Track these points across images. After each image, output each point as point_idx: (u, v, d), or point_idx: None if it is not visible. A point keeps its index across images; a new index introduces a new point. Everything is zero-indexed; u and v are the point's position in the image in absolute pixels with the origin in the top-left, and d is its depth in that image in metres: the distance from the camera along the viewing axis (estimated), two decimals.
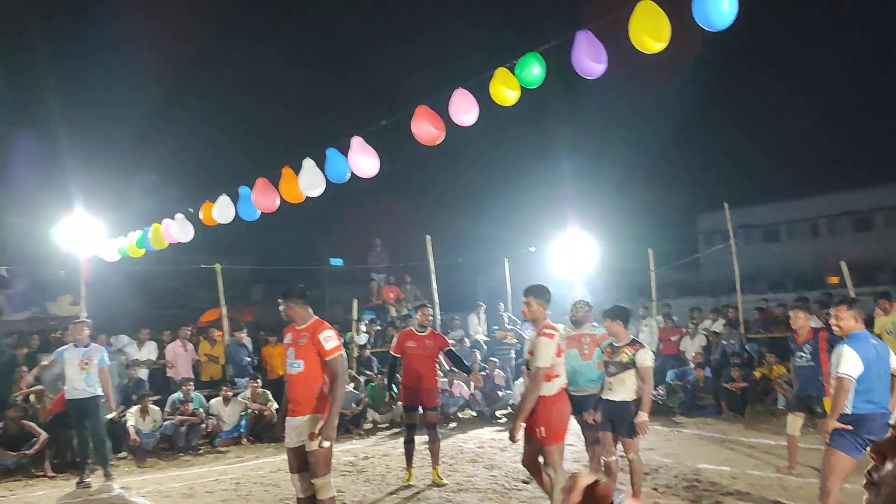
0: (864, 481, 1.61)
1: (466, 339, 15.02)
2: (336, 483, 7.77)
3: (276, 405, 10.86)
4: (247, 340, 13.33)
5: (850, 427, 5.03)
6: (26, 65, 23.37)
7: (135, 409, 10.52)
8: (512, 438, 5.48)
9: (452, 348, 8.38)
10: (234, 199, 8.90)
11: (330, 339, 5.06)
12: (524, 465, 5.83)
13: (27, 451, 9.26)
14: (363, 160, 7.18)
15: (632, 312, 14.52)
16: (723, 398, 11.79)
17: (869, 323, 9.74)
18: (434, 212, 25.52)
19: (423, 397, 7.77)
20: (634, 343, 6.42)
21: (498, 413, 12.48)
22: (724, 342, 13.37)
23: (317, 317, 5.29)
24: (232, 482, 8.38)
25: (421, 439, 8.08)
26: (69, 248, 10.99)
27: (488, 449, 9.74)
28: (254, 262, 24.00)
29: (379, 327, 15.19)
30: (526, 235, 17.81)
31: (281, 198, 8.17)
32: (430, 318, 8.10)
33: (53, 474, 9.11)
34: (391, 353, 8.06)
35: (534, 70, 5.61)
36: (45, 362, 9.44)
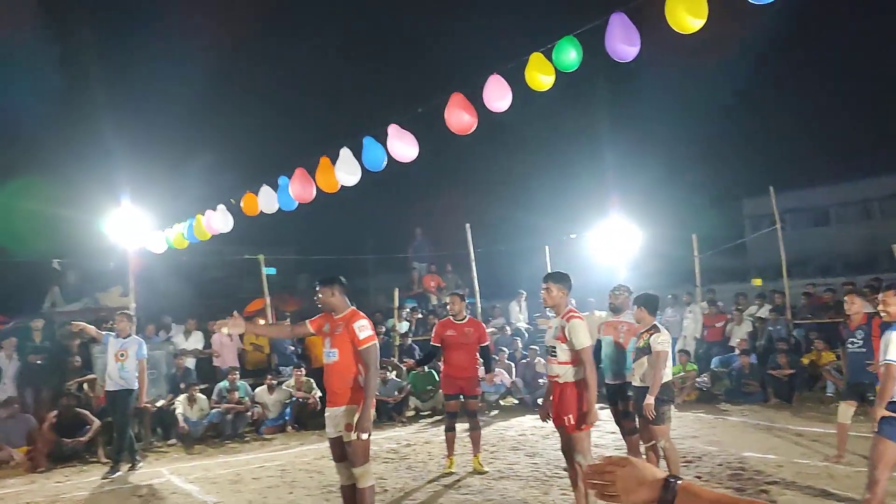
0: None
1: (507, 327, 15.03)
2: (378, 470, 7.90)
3: (319, 393, 11.01)
4: None
5: None
6: (76, 62, 23.96)
7: (182, 397, 10.78)
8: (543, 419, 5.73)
9: (488, 345, 8.33)
10: (275, 189, 9.00)
11: (364, 328, 5.08)
12: (563, 452, 5.82)
13: (81, 438, 9.57)
14: (401, 146, 7.18)
15: (673, 299, 14.43)
16: (769, 385, 11.57)
17: None
18: (474, 200, 25.44)
19: (463, 385, 7.78)
20: (653, 328, 6.39)
21: (539, 401, 12.43)
22: (771, 328, 13.11)
23: (353, 307, 5.32)
24: (277, 469, 8.53)
25: (462, 427, 8.11)
26: (117, 240, 11.25)
27: (530, 436, 9.73)
28: (297, 251, 24.27)
29: (420, 315, 15.26)
30: (567, 222, 17.70)
31: (317, 187, 8.23)
32: (464, 305, 8.06)
33: (107, 460, 9.36)
34: (432, 342, 8.07)
35: (570, 54, 5.53)
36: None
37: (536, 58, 5.78)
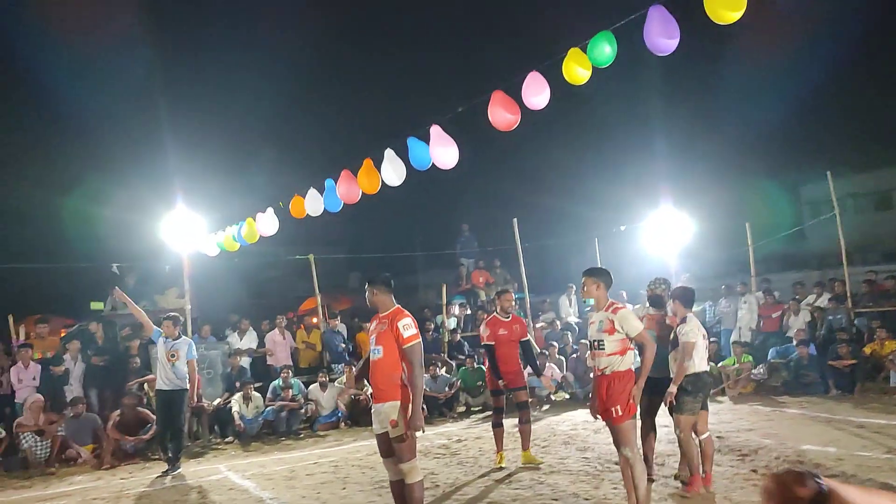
0: None
1: (557, 322, 14.95)
2: (430, 466, 7.97)
3: (370, 390, 11.13)
4: (341, 327, 13.74)
5: None
6: (141, 74, 24.76)
7: (238, 396, 11.03)
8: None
9: (529, 339, 8.35)
10: (321, 191, 9.14)
11: (408, 327, 5.13)
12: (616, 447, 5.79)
13: (143, 437, 9.90)
14: (443, 151, 7.24)
15: (728, 290, 14.12)
16: (829, 376, 11.26)
17: None
18: (521, 194, 25.28)
19: (508, 380, 7.80)
20: (683, 320, 6.32)
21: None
22: (831, 317, 12.74)
23: (398, 305, 5.38)
24: (331, 465, 8.68)
25: (512, 422, 8.10)
26: (172, 244, 11.56)
27: (581, 431, 9.68)
28: (347, 251, 24.56)
29: (469, 311, 15.29)
30: (617, 213, 17.48)
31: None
32: (513, 302, 8.11)
33: (168, 457, 9.65)
34: (486, 342, 8.00)
35: (605, 49, 5.49)
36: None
37: (574, 52, 5.75)
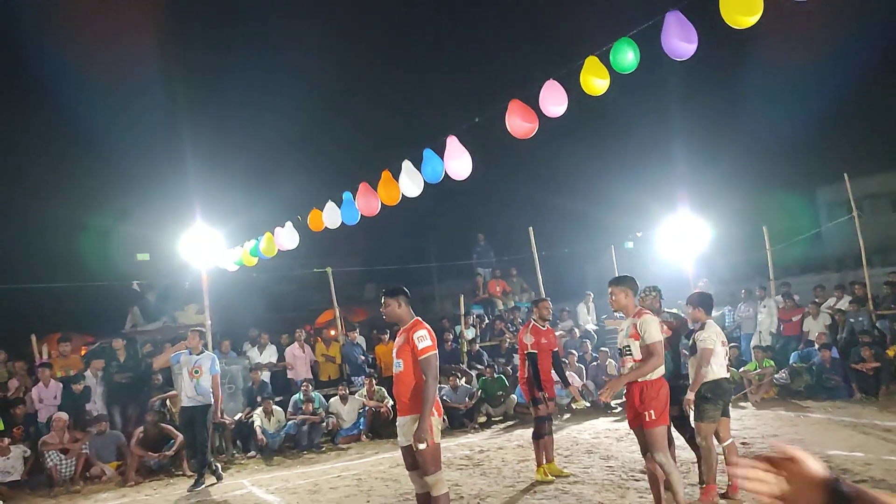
0: None
1: (576, 330, 14.90)
2: (453, 477, 7.94)
3: (391, 402, 11.14)
4: (360, 339, 13.76)
5: None
6: (157, 95, 25.06)
7: (260, 410, 11.07)
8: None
9: (557, 350, 8.32)
10: (339, 203, 9.19)
11: (423, 339, 5.12)
12: (644, 455, 5.76)
13: (167, 453, 9.95)
14: (456, 163, 7.28)
15: (747, 294, 14.03)
16: (853, 380, 11.15)
17: None
18: (537, 200, 25.31)
19: (547, 388, 7.78)
20: (702, 326, 6.29)
21: (613, 403, 12.29)
22: (852, 320, 12.62)
23: (416, 317, 5.38)
24: (354, 478, 8.67)
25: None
26: (191, 260, 11.65)
27: (604, 439, 9.63)
28: (362, 262, 24.62)
29: (487, 321, 15.28)
30: (633, 219, 17.44)
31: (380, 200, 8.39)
32: (551, 309, 8.14)
33: (192, 473, 9.69)
34: (529, 350, 7.78)
35: (628, 56, 5.51)
36: (165, 357, 9.80)
37: (591, 61, 5.77)
